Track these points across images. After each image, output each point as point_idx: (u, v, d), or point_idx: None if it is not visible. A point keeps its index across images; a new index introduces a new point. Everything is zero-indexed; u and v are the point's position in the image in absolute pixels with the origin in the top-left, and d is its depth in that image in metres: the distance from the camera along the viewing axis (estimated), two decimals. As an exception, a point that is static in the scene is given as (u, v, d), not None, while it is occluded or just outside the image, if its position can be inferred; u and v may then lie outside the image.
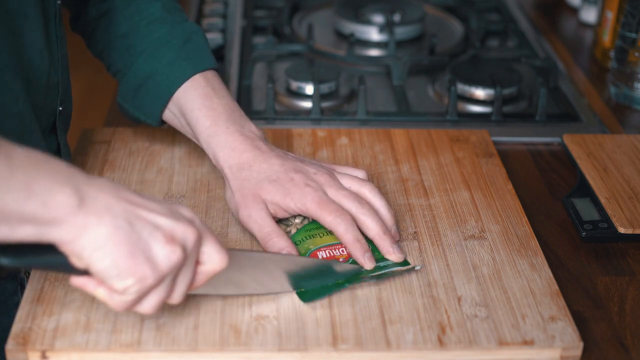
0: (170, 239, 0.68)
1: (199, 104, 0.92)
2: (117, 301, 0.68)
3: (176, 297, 0.71)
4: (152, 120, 0.96)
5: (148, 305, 0.70)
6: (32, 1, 0.81)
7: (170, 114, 0.95)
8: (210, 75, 0.95)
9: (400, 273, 0.82)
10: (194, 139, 0.94)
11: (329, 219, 0.83)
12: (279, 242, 0.84)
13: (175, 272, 0.69)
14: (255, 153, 0.88)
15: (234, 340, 0.75)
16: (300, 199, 0.84)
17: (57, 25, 0.86)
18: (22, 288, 0.92)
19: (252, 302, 0.79)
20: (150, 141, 1.04)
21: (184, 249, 0.69)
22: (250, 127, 0.91)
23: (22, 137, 0.83)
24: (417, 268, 0.83)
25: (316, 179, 0.86)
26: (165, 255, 0.68)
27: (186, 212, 0.72)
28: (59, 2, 0.86)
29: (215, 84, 0.94)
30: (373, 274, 0.82)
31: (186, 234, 0.69)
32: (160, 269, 0.68)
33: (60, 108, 0.90)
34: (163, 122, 0.97)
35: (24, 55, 0.82)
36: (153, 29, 0.95)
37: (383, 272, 0.83)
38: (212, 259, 0.72)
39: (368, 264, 0.83)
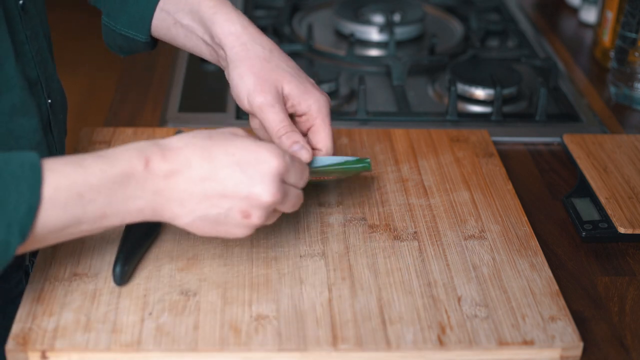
0: (246, 214, 0.73)
1: None
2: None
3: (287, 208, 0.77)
4: (142, 32, 0.91)
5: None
6: None
7: (162, 16, 0.90)
8: None
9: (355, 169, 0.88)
10: (189, 43, 0.89)
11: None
12: (293, 135, 0.81)
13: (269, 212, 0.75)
14: (272, 42, 0.85)
15: (234, 340, 0.75)
16: (317, 102, 0.84)
17: (24, 24, 0.84)
18: (27, 276, 0.92)
19: (252, 302, 0.79)
20: (150, 141, 1.04)
21: (258, 215, 0.73)
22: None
23: (19, 136, 0.83)
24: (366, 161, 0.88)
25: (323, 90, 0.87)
26: (243, 227, 0.74)
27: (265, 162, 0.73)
28: (20, 2, 0.83)
29: None
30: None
31: (257, 207, 0.73)
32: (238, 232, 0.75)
33: (50, 101, 0.89)
34: (153, 41, 0.93)
35: None
36: None
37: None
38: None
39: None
